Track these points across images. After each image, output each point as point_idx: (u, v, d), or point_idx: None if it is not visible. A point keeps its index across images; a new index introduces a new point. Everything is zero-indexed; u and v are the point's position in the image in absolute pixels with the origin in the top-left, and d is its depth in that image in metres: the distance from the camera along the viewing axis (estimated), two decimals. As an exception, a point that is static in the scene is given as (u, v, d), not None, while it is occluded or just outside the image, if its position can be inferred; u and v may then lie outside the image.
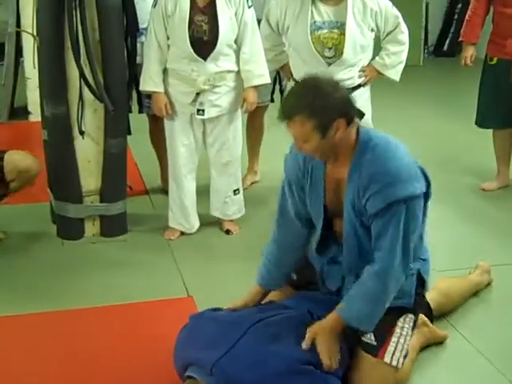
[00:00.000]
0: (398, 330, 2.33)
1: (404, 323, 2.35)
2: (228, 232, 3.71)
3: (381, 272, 2.18)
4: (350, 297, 2.25)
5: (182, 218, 3.65)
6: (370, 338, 2.30)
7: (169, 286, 3.15)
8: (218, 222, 3.77)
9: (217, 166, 3.61)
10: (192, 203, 3.64)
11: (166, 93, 3.45)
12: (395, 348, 2.31)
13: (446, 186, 4.40)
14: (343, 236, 2.33)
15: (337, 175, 2.28)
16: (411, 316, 2.37)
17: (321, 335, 2.21)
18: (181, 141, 3.51)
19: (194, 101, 3.40)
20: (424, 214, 2.30)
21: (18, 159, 3.37)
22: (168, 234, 3.67)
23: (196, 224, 3.70)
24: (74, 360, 2.59)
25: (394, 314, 2.32)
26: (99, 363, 2.57)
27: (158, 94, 3.44)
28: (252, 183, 4.31)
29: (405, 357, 2.35)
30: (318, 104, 2.09)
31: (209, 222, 3.78)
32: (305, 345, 2.20)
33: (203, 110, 3.41)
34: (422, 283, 2.41)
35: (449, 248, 3.45)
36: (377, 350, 2.30)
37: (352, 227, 2.28)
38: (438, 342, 2.68)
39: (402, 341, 2.33)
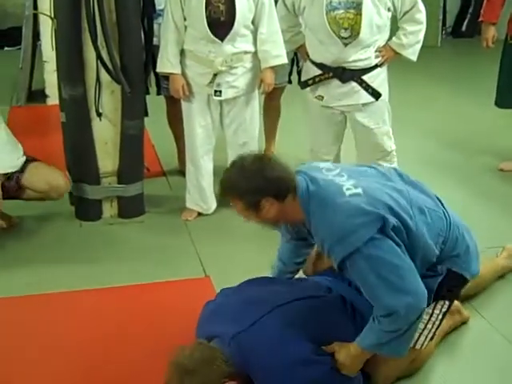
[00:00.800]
0: (426, 316, 2.30)
1: (434, 309, 2.33)
2: (244, 213, 3.72)
3: (381, 317, 2.10)
4: (364, 329, 2.19)
5: (199, 199, 3.67)
6: None
7: (186, 267, 3.17)
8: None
9: (234, 146, 3.62)
10: (209, 184, 3.66)
11: (183, 74, 3.45)
12: (420, 334, 2.30)
13: (464, 167, 4.39)
14: None
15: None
16: (443, 302, 2.35)
17: (341, 357, 2.18)
18: (198, 122, 3.52)
19: (211, 82, 3.41)
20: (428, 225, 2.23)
21: (51, 176, 3.36)
22: (185, 214, 3.69)
23: (213, 205, 3.71)
24: (94, 339, 2.62)
25: None
26: (117, 342, 2.60)
27: (175, 75, 3.45)
28: (268, 164, 4.30)
29: (431, 339, 2.34)
30: (240, 187, 2.15)
31: (225, 202, 3.77)
32: (326, 349, 2.20)
33: (220, 91, 3.42)
34: (457, 276, 2.36)
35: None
36: None
37: None
38: (462, 323, 2.67)
39: (429, 326, 2.32)
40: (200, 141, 3.56)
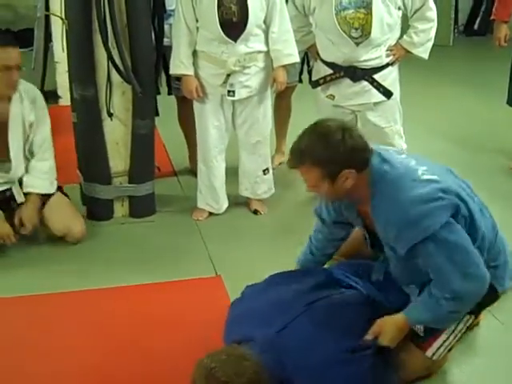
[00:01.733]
0: (449, 332, 2.28)
1: (459, 323, 2.29)
2: (256, 212, 3.73)
3: (446, 300, 2.09)
4: (415, 305, 2.20)
5: (210, 199, 3.68)
6: (419, 329, 2.25)
7: (197, 266, 3.17)
8: (245, 203, 3.80)
9: (246, 146, 3.62)
10: (221, 184, 3.67)
11: (196, 75, 3.46)
12: (441, 345, 2.28)
13: (476, 166, 4.36)
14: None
15: (365, 210, 2.24)
16: (470, 317, 2.31)
17: (386, 327, 2.19)
18: (211, 122, 3.53)
19: (225, 82, 3.41)
20: (472, 225, 2.18)
21: (70, 221, 3.35)
22: (196, 214, 3.70)
23: (225, 204, 3.72)
24: (105, 338, 2.63)
25: None
26: (125, 342, 2.61)
27: (188, 76, 3.45)
28: (280, 163, 4.31)
29: (449, 350, 2.32)
30: (324, 155, 2.05)
31: (237, 202, 3.80)
32: (369, 336, 2.19)
33: (234, 91, 3.42)
34: (492, 289, 2.29)
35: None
36: (422, 342, 2.27)
37: (391, 253, 2.25)
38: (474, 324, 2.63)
39: (451, 338, 2.29)
40: (213, 141, 3.56)
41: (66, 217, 3.37)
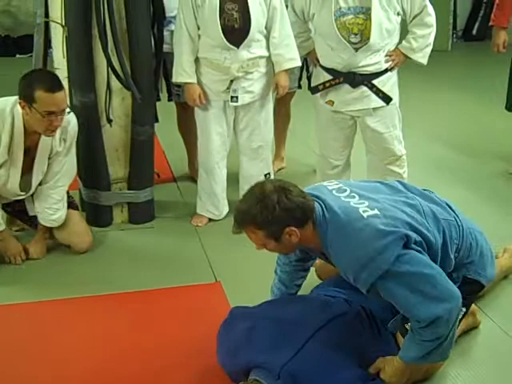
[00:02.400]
0: None
1: None
2: (255, 218, 3.72)
3: (422, 329, 2.10)
4: (405, 345, 2.21)
5: (210, 205, 3.68)
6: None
7: (196, 272, 3.17)
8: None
9: (247, 151, 3.63)
10: (222, 190, 3.68)
11: (199, 82, 3.46)
12: None
13: (474, 171, 4.38)
14: None
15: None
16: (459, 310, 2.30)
17: (387, 367, 2.20)
18: (214, 129, 3.53)
19: (228, 88, 3.42)
20: (443, 234, 2.24)
21: (77, 238, 3.34)
22: (196, 220, 3.70)
23: (225, 210, 3.72)
24: (102, 344, 2.63)
25: None
26: (125, 348, 2.60)
27: (191, 84, 3.46)
28: (279, 169, 4.32)
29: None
30: (261, 218, 2.09)
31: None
32: (372, 370, 2.21)
33: (237, 97, 3.43)
34: (473, 282, 2.38)
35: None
36: None
37: None
38: (473, 327, 2.66)
39: None
40: (216, 147, 3.57)
41: (73, 231, 3.35)
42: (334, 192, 2.25)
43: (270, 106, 3.64)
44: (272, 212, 2.08)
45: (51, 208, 3.27)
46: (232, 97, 3.43)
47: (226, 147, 3.61)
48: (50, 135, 3.03)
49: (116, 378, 2.43)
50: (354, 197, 2.22)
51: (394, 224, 2.11)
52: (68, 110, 3.09)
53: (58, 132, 3.08)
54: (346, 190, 2.26)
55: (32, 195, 3.29)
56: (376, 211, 2.14)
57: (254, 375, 2.14)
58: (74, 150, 3.27)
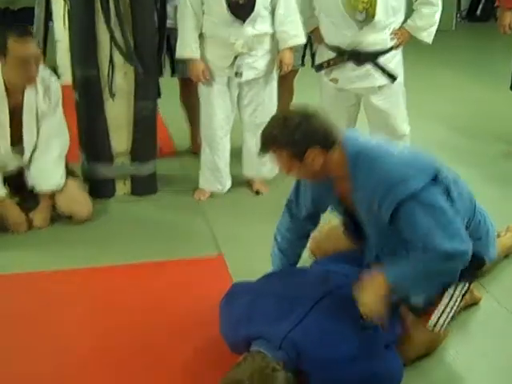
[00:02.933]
0: (446, 299, 2.32)
1: (455, 291, 2.33)
2: (258, 192, 3.75)
3: (422, 252, 2.11)
4: (394, 262, 2.22)
5: (213, 180, 3.70)
6: (417, 301, 2.30)
7: (199, 245, 3.18)
8: (247, 183, 3.82)
9: (251, 127, 3.63)
10: (225, 164, 3.69)
11: (203, 58, 3.45)
12: (440, 316, 2.31)
13: (477, 152, 4.37)
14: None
15: (345, 190, 2.27)
16: (463, 284, 2.35)
17: (365, 288, 2.19)
18: (218, 104, 3.53)
19: (232, 64, 3.42)
20: (451, 198, 2.21)
21: (76, 206, 3.37)
22: (198, 194, 3.71)
23: (228, 184, 3.74)
24: (105, 317, 2.65)
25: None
26: (128, 320, 2.62)
27: (195, 60, 3.45)
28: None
29: (449, 322, 2.35)
30: (284, 137, 2.13)
31: (239, 182, 3.82)
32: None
33: (241, 73, 3.43)
34: (478, 258, 2.37)
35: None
36: (422, 313, 2.31)
37: (373, 229, 2.29)
38: (472, 304, 2.68)
39: (448, 310, 2.32)
40: (219, 123, 3.57)
41: (73, 199, 3.38)
42: (366, 135, 2.34)
43: (275, 82, 3.63)
44: (293, 132, 2.11)
45: (47, 172, 3.29)
46: (236, 73, 3.43)
47: (229, 122, 3.61)
48: (30, 84, 3.12)
49: (117, 350, 2.44)
50: (385, 141, 2.29)
51: (426, 159, 2.17)
52: (49, 71, 3.26)
53: (41, 89, 3.18)
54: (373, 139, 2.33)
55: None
56: (407, 150, 2.22)
57: (255, 346, 2.15)
58: (60, 113, 3.32)
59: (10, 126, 3.19)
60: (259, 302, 2.30)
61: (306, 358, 2.08)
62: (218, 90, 3.51)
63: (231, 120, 3.63)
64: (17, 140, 3.23)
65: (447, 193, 2.17)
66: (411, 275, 2.15)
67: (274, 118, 2.23)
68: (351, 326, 2.16)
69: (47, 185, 3.31)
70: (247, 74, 3.45)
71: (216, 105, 3.53)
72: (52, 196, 3.34)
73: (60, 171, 3.34)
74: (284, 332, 2.11)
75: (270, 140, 2.17)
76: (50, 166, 3.30)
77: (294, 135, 2.12)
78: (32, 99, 3.18)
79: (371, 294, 2.14)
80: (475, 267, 2.37)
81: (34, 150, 3.28)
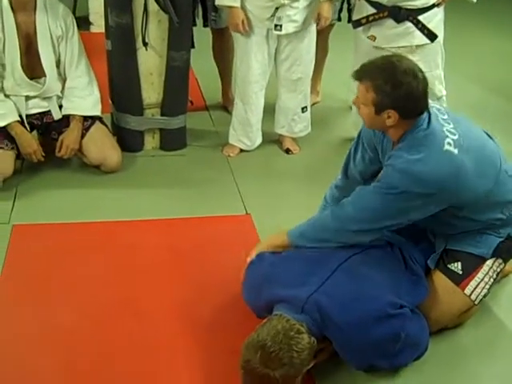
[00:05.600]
0: (485, 267, 2.34)
1: (493, 265, 2.36)
2: (288, 151, 3.69)
3: (336, 211, 2.28)
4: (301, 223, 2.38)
5: (243, 136, 3.64)
6: (456, 267, 2.32)
7: (226, 203, 3.16)
8: (277, 141, 3.75)
9: (286, 82, 3.55)
10: (258, 120, 3.63)
11: (243, 8, 3.35)
12: (478, 284, 2.32)
13: (506, 112, 4.25)
14: None
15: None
16: (501, 261, 2.38)
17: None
18: (255, 57, 3.44)
19: (272, 16, 3.31)
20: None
21: (107, 152, 3.36)
22: (227, 150, 3.66)
23: (258, 141, 3.69)
24: (129, 270, 2.64)
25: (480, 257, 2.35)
26: (154, 275, 2.62)
27: (234, 8, 3.34)
28: (313, 103, 4.22)
29: (484, 296, 2.35)
30: (386, 86, 2.09)
31: (269, 140, 3.76)
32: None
33: (281, 26, 3.33)
34: None
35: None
36: (460, 280, 2.31)
37: None
38: (503, 276, 2.65)
39: (486, 279, 2.33)
40: (255, 76, 3.48)
41: (103, 146, 3.36)
42: (434, 108, 2.26)
43: (314, 37, 3.53)
44: (396, 88, 2.08)
45: (77, 96, 3.28)
46: (276, 25, 3.33)
47: (265, 77, 3.53)
48: None
49: (141, 303, 2.45)
50: (449, 123, 2.22)
51: (454, 175, 2.12)
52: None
53: (51, 15, 3.16)
54: (445, 114, 2.27)
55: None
56: (456, 151, 2.14)
57: (276, 310, 2.12)
58: (77, 37, 3.29)
59: (26, 55, 3.14)
60: (283, 264, 2.28)
61: (329, 321, 2.05)
62: (256, 42, 3.41)
63: (267, 75, 3.54)
64: (37, 71, 3.19)
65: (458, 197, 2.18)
66: (313, 238, 2.29)
67: (387, 62, 2.14)
68: (376, 286, 2.13)
69: (79, 108, 3.30)
70: (287, 27, 3.34)
71: (253, 58, 3.44)
72: (82, 120, 3.31)
73: (92, 99, 3.33)
74: (307, 294, 2.09)
75: (371, 77, 2.12)
76: (81, 89, 3.29)
77: (393, 91, 2.08)
78: (44, 23, 3.14)
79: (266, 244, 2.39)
80: (509, 252, 2.39)
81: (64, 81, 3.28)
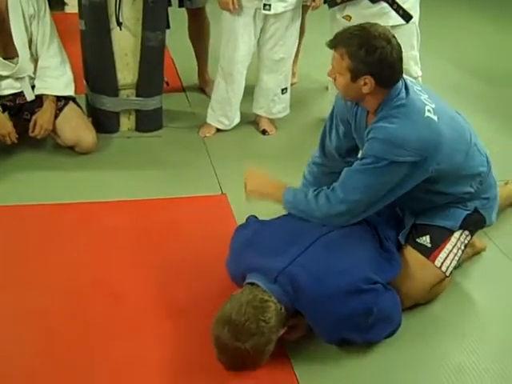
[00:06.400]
0: (453, 239, 2.38)
1: (460, 236, 2.40)
2: (264, 132, 3.69)
3: (324, 195, 2.25)
4: (297, 190, 2.39)
5: (222, 115, 3.64)
6: (425, 241, 2.36)
7: (202, 183, 3.15)
8: (254, 122, 3.75)
9: (269, 62, 3.55)
10: (237, 100, 3.63)
11: None
12: (447, 255, 2.36)
13: (491, 98, 4.28)
14: None
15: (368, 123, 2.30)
16: (468, 233, 2.42)
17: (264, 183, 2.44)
18: (242, 38, 3.42)
19: None
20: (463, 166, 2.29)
21: (82, 132, 3.33)
22: (204, 130, 3.65)
23: (236, 120, 3.68)
24: (104, 251, 2.63)
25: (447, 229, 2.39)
26: (129, 256, 2.61)
27: None
28: (291, 84, 4.22)
29: (454, 267, 2.38)
30: (360, 51, 2.10)
31: (245, 122, 3.75)
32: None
33: (270, 5, 3.31)
34: (481, 217, 2.45)
35: (497, 161, 3.37)
36: (430, 253, 2.35)
37: None
38: (475, 253, 2.69)
39: (454, 251, 2.37)
40: (242, 57, 3.47)
41: (77, 126, 3.34)
42: (409, 81, 2.28)
43: (299, 19, 3.52)
44: (371, 53, 2.09)
45: (50, 76, 3.25)
46: (265, 4, 3.31)
47: (249, 57, 3.53)
48: None
49: (117, 285, 2.44)
50: (424, 94, 2.25)
51: (434, 142, 2.15)
52: None
53: None
54: (419, 86, 2.30)
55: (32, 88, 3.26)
56: (435, 118, 2.17)
57: (249, 279, 2.13)
58: (49, 16, 3.25)
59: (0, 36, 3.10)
60: (265, 232, 2.30)
61: (301, 293, 2.06)
62: (243, 22, 3.38)
63: (251, 55, 3.54)
64: (9, 51, 3.14)
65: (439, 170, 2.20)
66: (301, 210, 2.29)
67: (362, 27, 2.15)
68: (352, 261, 2.15)
69: (52, 87, 3.26)
70: (276, 7, 3.32)
71: (240, 39, 3.41)
72: (55, 100, 3.28)
73: (64, 79, 3.30)
74: (282, 265, 2.09)
75: (346, 43, 2.13)
76: (54, 68, 3.25)
77: (368, 56, 2.09)
78: (16, 2, 3.10)
79: (262, 188, 2.42)
80: (475, 222, 2.44)
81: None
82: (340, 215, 2.23)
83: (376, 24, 2.20)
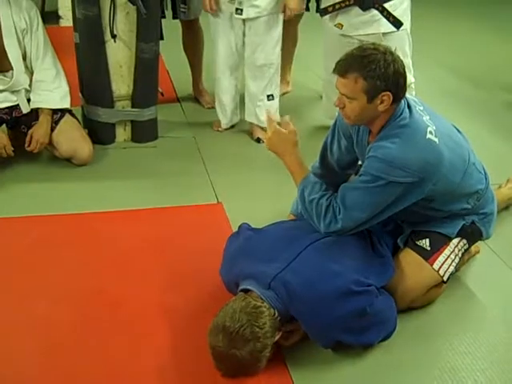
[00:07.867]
0: (452, 245, 2.40)
1: (458, 244, 2.42)
2: (259, 140, 3.71)
3: (325, 205, 2.25)
4: (316, 184, 2.34)
5: (220, 113, 3.80)
6: (424, 243, 2.38)
7: (198, 193, 3.16)
8: (249, 131, 3.78)
9: (250, 67, 3.62)
10: (229, 101, 3.75)
11: None
12: (445, 260, 2.37)
13: (483, 102, 4.31)
14: None
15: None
16: (465, 242, 2.44)
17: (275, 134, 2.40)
18: (221, 39, 3.57)
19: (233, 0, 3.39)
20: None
21: (78, 144, 3.35)
22: (216, 125, 3.85)
23: (234, 119, 3.83)
24: (101, 261, 2.64)
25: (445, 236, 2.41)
26: (127, 265, 2.62)
27: None
28: (284, 93, 4.25)
29: (451, 273, 2.40)
30: (376, 69, 2.08)
31: (240, 130, 3.79)
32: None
33: (241, 10, 3.40)
34: (477, 230, 2.47)
35: (489, 164, 3.39)
36: (429, 256, 2.36)
37: None
38: (470, 257, 2.70)
39: (452, 256, 2.39)
40: (221, 58, 3.62)
41: (74, 138, 3.36)
42: (412, 100, 2.28)
43: (279, 25, 3.56)
44: (385, 68, 2.08)
45: (45, 89, 3.27)
46: (237, 9, 3.41)
47: (232, 58, 3.62)
48: None
49: (114, 294, 2.45)
50: (426, 115, 2.25)
51: (434, 165, 2.16)
52: None
53: (14, 9, 3.14)
54: (420, 105, 2.30)
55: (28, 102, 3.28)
56: (437, 140, 2.18)
57: (244, 285, 2.14)
58: (42, 29, 3.27)
59: None
60: (258, 239, 2.31)
61: (294, 297, 2.07)
62: (222, 24, 3.53)
63: (236, 57, 3.62)
64: (4, 65, 3.16)
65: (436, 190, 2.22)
66: (304, 204, 2.30)
67: (364, 50, 2.13)
68: (343, 265, 2.15)
69: (48, 101, 3.28)
70: (248, 11, 3.41)
71: (219, 40, 3.57)
72: (51, 113, 3.30)
73: (59, 92, 3.31)
74: (275, 272, 2.10)
75: (358, 66, 2.09)
76: (50, 81, 3.27)
77: (383, 70, 2.07)
78: (8, 17, 3.13)
79: (282, 147, 2.38)
80: (471, 234, 2.46)
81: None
82: (337, 231, 2.23)
83: (374, 43, 2.20)
